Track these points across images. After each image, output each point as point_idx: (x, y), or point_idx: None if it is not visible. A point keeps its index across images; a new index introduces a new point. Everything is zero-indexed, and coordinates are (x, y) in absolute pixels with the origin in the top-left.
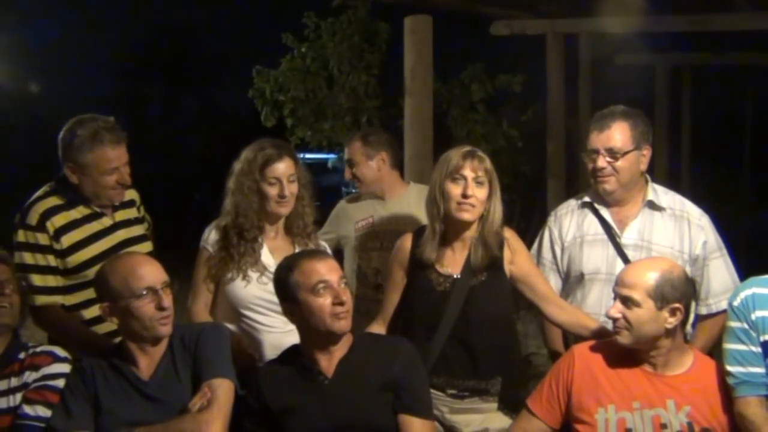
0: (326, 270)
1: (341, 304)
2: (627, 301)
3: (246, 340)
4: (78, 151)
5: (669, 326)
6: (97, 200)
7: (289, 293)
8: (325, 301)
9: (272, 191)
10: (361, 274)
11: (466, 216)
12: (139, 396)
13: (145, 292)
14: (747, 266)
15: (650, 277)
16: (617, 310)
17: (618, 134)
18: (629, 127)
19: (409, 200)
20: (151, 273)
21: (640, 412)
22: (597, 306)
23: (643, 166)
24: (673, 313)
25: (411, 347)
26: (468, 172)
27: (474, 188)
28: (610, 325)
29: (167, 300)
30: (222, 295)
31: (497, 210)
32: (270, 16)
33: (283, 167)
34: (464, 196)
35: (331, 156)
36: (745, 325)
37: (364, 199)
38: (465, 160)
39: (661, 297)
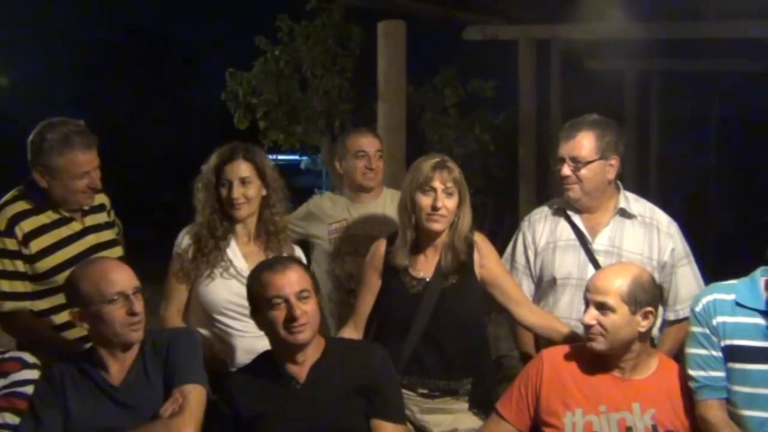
0: (282, 284)
1: (293, 319)
2: (602, 307)
3: (218, 346)
4: (48, 155)
5: (642, 330)
6: (67, 205)
7: (252, 303)
8: (279, 314)
9: (223, 192)
10: (335, 278)
11: (437, 227)
12: (109, 402)
13: (116, 298)
14: (713, 270)
15: (623, 283)
16: (592, 317)
17: (583, 143)
18: (595, 137)
19: (384, 204)
20: (123, 278)
21: (606, 416)
22: (568, 310)
23: (610, 176)
24: (645, 316)
25: (384, 352)
26: (437, 184)
27: (444, 199)
28: (580, 330)
29: (138, 305)
30: (195, 300)
31: (466, 217)
32: (243, 18)
33: (233, 169)
34: (434, 207)
35: (304, 158)
36: (707, 330)
37: (339, 200)
38: (434, 172)
39: (635, 301)
